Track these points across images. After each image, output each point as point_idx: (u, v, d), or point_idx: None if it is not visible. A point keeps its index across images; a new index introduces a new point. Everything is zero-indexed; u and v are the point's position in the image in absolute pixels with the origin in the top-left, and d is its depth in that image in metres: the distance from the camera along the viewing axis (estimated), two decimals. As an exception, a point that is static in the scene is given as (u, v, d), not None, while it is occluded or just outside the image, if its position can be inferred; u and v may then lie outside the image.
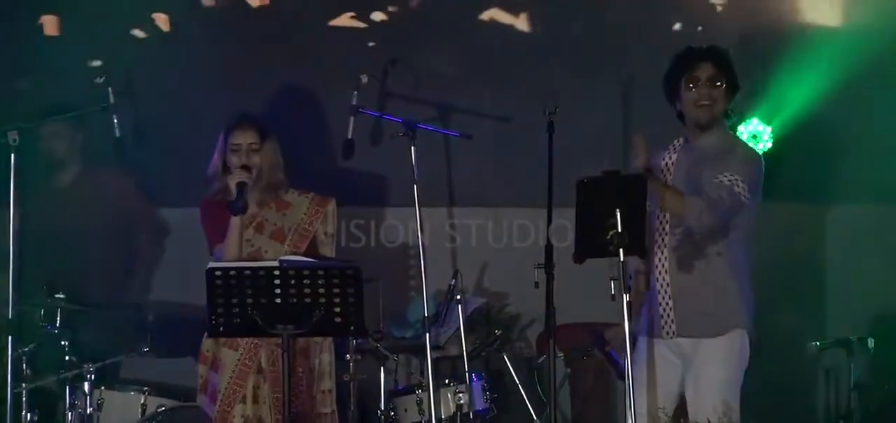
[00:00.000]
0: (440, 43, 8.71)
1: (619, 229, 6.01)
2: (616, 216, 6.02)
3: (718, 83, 6.38)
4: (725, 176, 6.24)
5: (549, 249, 6.26)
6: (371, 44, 8.50)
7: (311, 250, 6.73)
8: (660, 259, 6.37)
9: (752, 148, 6.73)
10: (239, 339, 6.52)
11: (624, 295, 6.05)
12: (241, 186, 6.56)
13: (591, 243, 6.10)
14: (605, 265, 6.12)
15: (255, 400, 6.63)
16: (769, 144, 8.56)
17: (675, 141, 6.52)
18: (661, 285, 6.38)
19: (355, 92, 7.78)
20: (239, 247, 6.59)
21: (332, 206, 6.87)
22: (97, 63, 7.79)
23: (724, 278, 6.31)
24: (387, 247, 8.64)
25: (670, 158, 6.48)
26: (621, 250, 6.03)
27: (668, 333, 6.37)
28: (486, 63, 8.70)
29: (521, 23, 8.75)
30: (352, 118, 7.78)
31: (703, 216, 6.22)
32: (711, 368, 6.29)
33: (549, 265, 6.24)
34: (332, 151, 7.94)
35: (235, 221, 6.57)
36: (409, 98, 8.47)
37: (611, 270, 6.13)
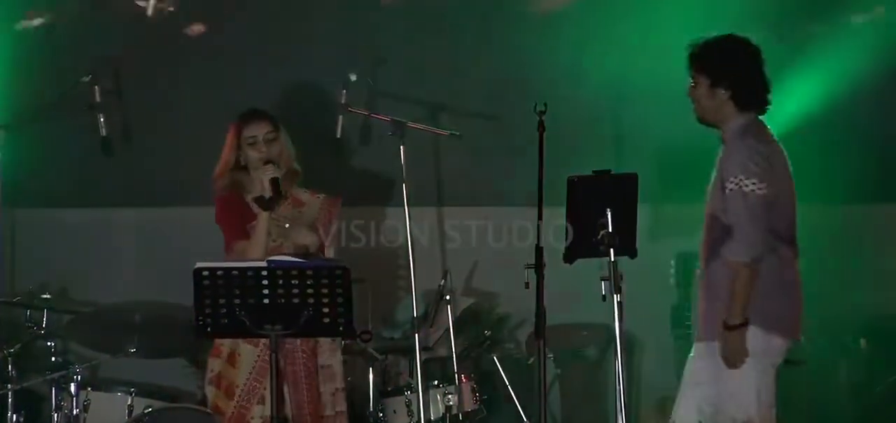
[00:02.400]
0: (429, 40, 8.72)
1: (610, 230, 6.01)
2: (606, 216, 6.02)
3: (693, 84, 6.34)
4: (728, 183, 6.14)
5: (539, 249, 6.25)
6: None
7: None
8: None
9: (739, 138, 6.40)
10: None
11: (615, 296, 6.05)
12: (275, 181, 6.57)
13: (581, 244, 6.10)
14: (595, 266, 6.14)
15: (279, 401, 6.55)
16: None
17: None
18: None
19: (344, 90, 7.78)
20: (266, 242, 6.58)
21: (338, 205, 6.88)
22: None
23: None
24: (372, 247, 8.64)
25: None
26: (612, 251, 6.03)
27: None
28: (476, 61, 8.69)
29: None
30: (340, 117, 7.79)
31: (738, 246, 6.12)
32: None
33: (539, 265, 6.22)
34: (322, 150, 7.92)
35: (265, 216, 6.58)
36: (399, 97, 8.46)
37: (601, 270, 6.14)
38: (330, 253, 6.76)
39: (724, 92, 6.24)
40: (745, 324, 6.06)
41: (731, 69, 6.26)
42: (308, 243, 6.67)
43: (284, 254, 6.48)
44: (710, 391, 6.18)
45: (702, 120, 6.36)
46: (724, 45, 6.30)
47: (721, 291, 6.14)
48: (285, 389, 6.60)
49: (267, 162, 6.61)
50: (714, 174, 6.32)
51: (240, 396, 6.60)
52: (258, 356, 6.58)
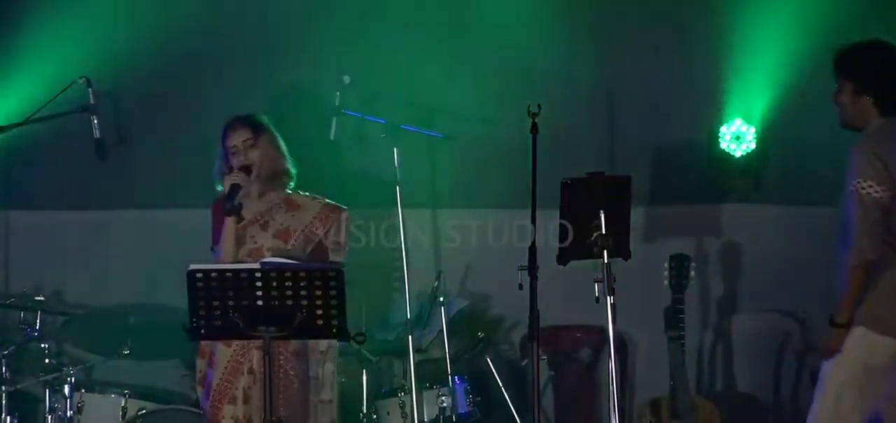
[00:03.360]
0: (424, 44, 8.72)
1: (603, 231, 6.02)
2: (600, 218, 6.03)
3: (838, 89, 6.35)
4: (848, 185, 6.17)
5: (532, 250, 6.25)
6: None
7: (319, 256, 6.76)
8: None
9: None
10: None
11: (608, 297, 6.05)
12: (235, 187, 6.63)
13: (575, 245, 6.11)
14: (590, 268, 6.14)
15: (246, 401, 6.64)
16: (753, 145, 8.55)
17: None
18: None
19: (338, 93, 7.78)
20: (233, 248, 6.66)
21: (345, 215, 6.90)
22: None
23: None
24: (366, 250, 8.63)
25: None
26: (605, 253, 6.03)
27: None
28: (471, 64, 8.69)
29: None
30: (334, 119, 7.78)
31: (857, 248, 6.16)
32: None
33: (532, 267, 6.22)
34: (316, 152, 7.92)
35: (229, 222, 6.65)
36: (392, 99, 8.45)
37: (595, 272, 6.14)
38: (338, 259, 6.77)
39: (868, 98, 6.29)
40: (849, 324, 6.13)
41: (876, 76, 6.29)
42: (271, 250, 6.66)
43: (265, 256, 6.51)
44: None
45: (845, 124, 6.39)
46: (870, 52, 6.34)
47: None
48: (256, 390, 6.62)
49: (239, 168, 6.66)
50: None
51: (213, 395, 6.66)
52: (231, 356, 6.63)
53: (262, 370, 6.52)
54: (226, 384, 6.64)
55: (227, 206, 6.61)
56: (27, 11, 8.50)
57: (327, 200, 6.91)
